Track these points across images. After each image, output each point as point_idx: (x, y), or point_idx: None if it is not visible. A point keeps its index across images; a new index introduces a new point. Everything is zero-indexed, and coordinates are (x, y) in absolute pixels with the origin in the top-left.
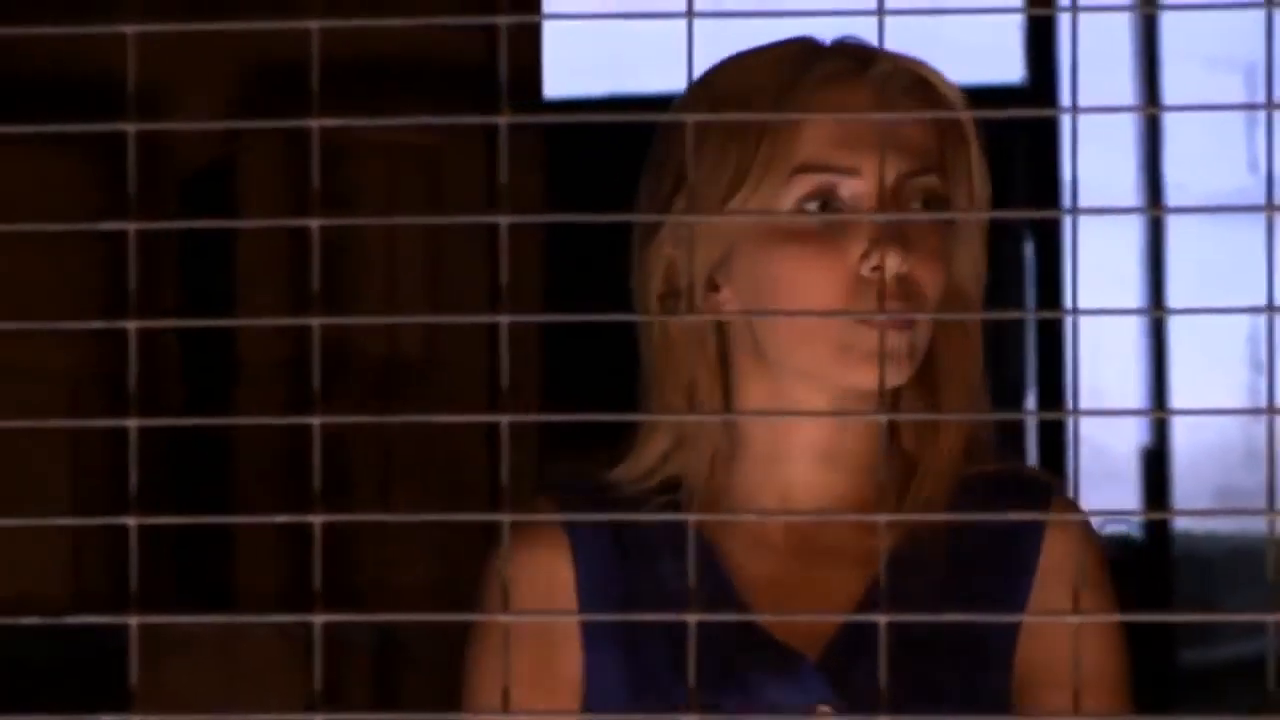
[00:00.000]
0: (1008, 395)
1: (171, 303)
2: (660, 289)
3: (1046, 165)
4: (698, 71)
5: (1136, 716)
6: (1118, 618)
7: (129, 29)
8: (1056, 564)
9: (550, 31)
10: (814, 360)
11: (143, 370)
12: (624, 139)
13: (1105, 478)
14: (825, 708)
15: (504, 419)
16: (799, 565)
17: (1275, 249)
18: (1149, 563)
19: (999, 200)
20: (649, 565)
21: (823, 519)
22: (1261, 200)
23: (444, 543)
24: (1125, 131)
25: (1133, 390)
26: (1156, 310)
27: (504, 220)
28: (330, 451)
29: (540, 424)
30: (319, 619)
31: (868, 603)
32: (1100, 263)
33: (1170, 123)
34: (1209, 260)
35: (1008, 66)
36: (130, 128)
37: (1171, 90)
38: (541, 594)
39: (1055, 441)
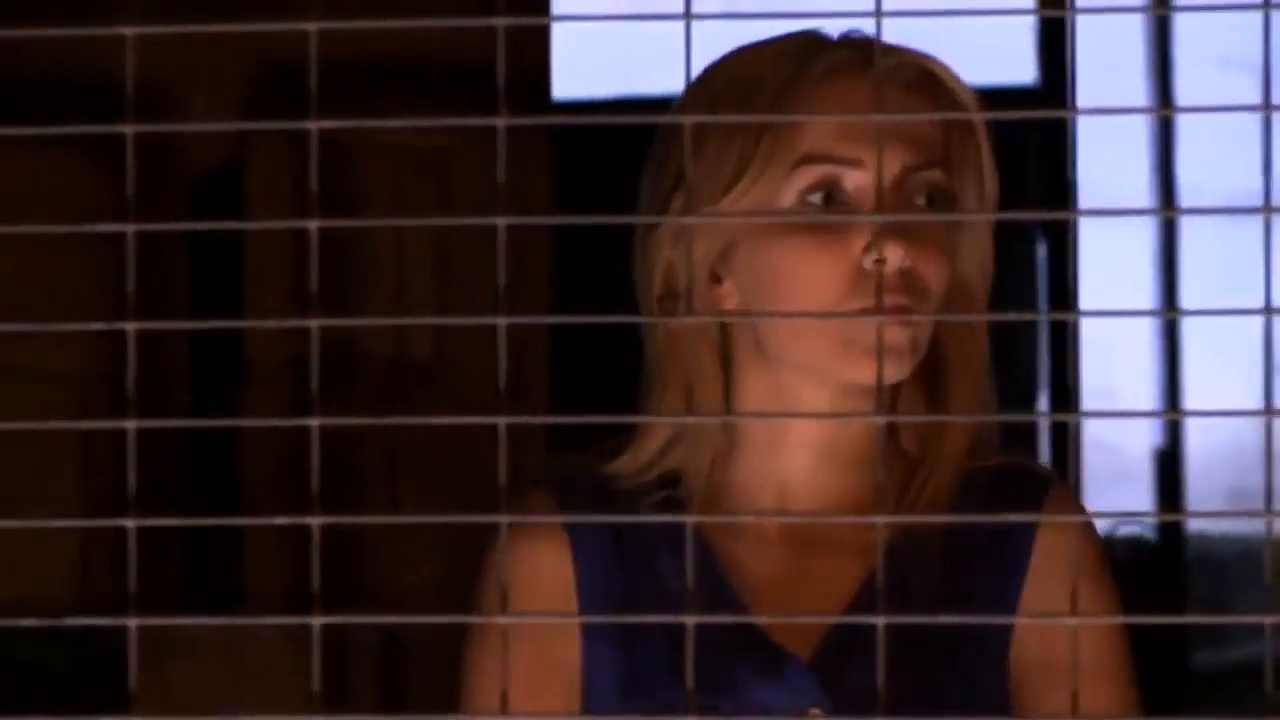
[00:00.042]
0: (1019, 395)
1: (181, 304)
2: (660, 290)
3: (1059, 166)
4: (701, 68)
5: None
6: (1115, 620)
7: (127, 30)
8: (1051, 555)
9: (561, 33)
10: (815, 355)
11: (151, 371)
12: (632, 140)
13: (1118, 478)
14: (816, 710)
15: (501, 420)
16: (795, 558)
17: (1272, 251)
18: (1162, 564)
19: (1012, 201)
20: (648, 561)
21: (821, 520)
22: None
23: (451, 543)
24: (1138, 132)
25: (1146, 391)
26: (1155, 312)
27: (501, 222)
28: (339, 453)
29: (547, 424)
30: (317, 620)
31: (863, 597)
32: (1114, 264)
33: (1184, 123)
34: (1224, 261)
35: (1021, 67)
36: (128, 129)
37: (1185, 91)
38: (541, 590)
39: (1066, 442)
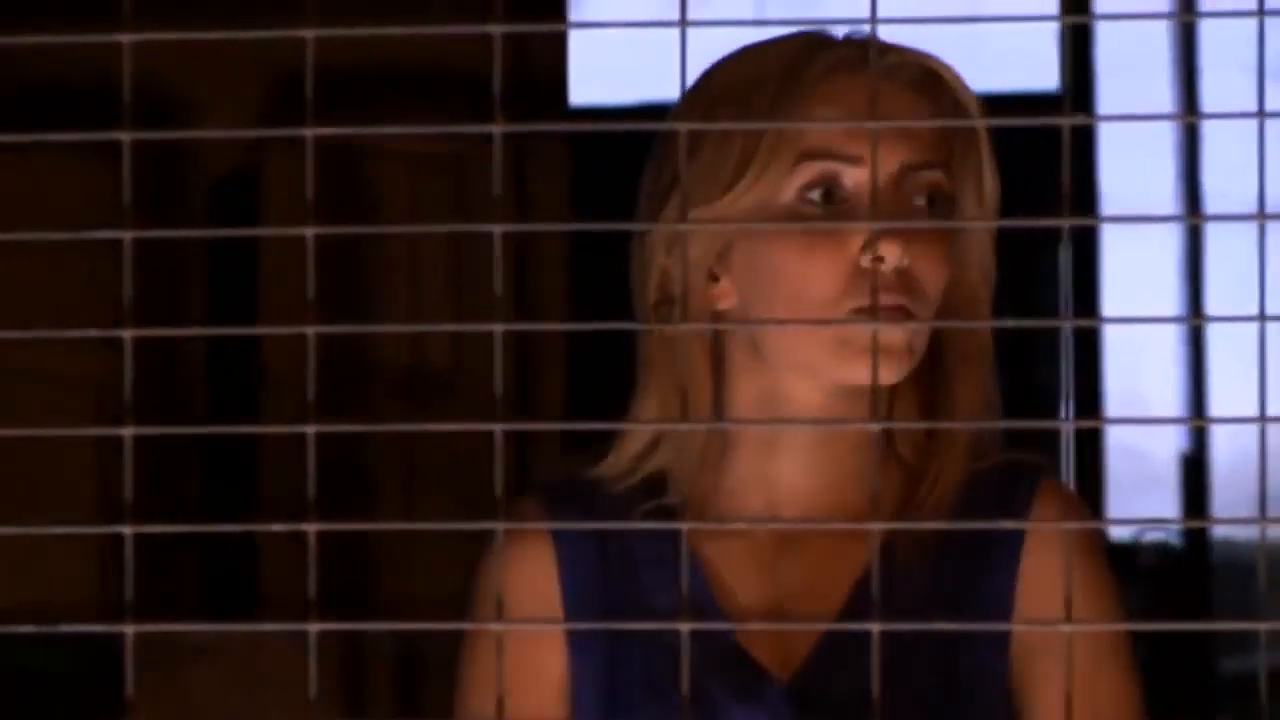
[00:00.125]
0: (1043, 401)
1: (198, 308)
2: (655, 296)
3: (1085, 173)
4: (704, 68)
5: None
6: (1114, 627)
7: (125, 38)
8: (1043, 548)
9: (579, 40)
10: (810, 355)
11: (170, 376)
12: (649, 145)
13: (1145, 484)
14: None
15: (497, 427)
16: (783, 564)
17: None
18: (1188, 569)
19: (1034, 206)
20: (632, 576)
21: (813, 526)
22: None
23: (467, 551)
24: (1164, 139)
25: (1173, 397)
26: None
27: (497, 229)
28: (357, 460)
29: (559, 431)
30: (314, 627)
31: (853, 606)
32: (1139, 270)
33: (1210, 130)
34: (1251, 267)
35: (1045, 73)
36: (125, 136)
37: (1211, 97)
38: (526, 598)
39: (1091, 448)
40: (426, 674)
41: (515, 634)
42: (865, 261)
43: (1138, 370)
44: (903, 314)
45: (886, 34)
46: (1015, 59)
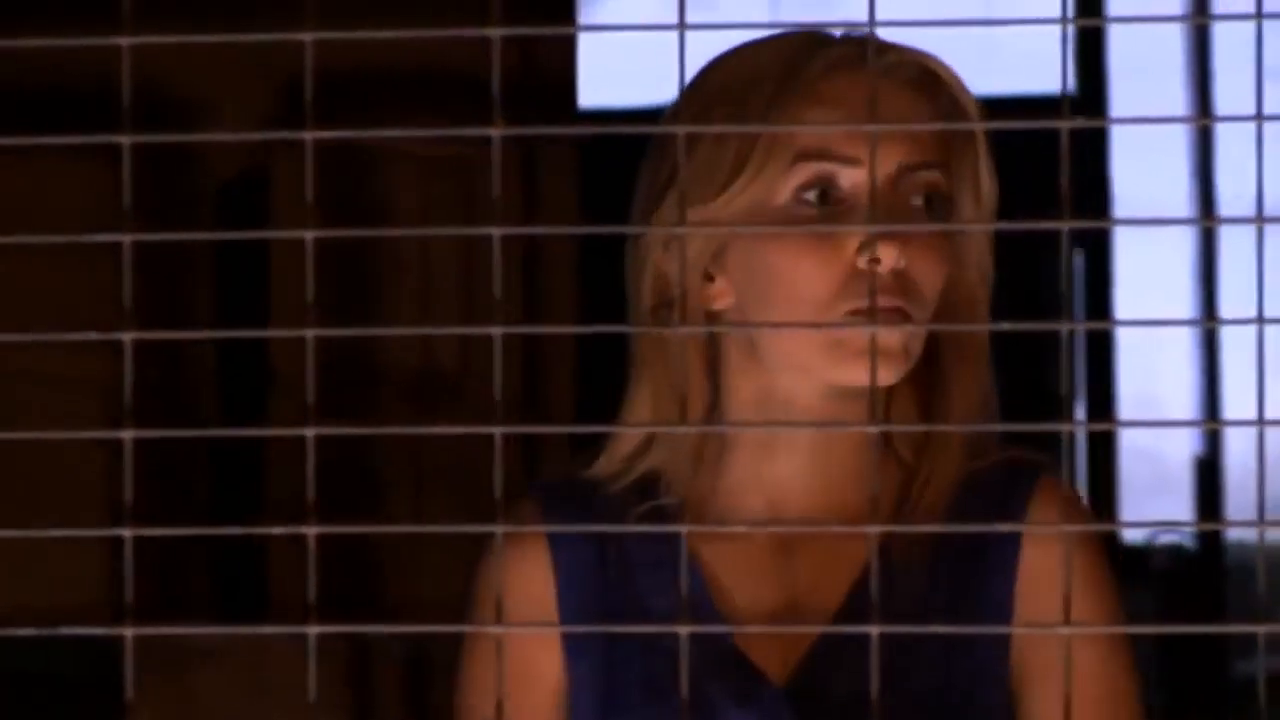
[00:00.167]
0: (1056, 403)
1: (208, 312)
2: (650, 293)
3: (1098, 175)
4: (702, 65)
5: None
6: (1113, 630)
7: (124, 41)
8: (1041, 544)
9: (589, 43)
10: (806, 356)
11: (179, 380)
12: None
13: (1159, 487)
14: None
15: (496, 430)
16: (780, 565)
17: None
18: (1202, 573)
19: (1047, 209)
20: (629, 578)
21: (812, 530)
22: None
23: (475, 553)
24: (1178, 141)
25: (1188, 400)
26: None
27: (496, 232)
28: (366, 463)
29: (572, 434)
30: (313, 630)
31: (851, 607)
32: (1153, 273)
33: (1224, 133)
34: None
35: (1058, 76)
36: (125, 140)
37: (1225, 100)
38: (521, 601)
39: (1105, 450)
40: (434, 677)
41: (511, 636)
42: (862, 263)
43: (1152, 372)
44: (899, 316)
45: (896, 36)
46: (1029, 62)
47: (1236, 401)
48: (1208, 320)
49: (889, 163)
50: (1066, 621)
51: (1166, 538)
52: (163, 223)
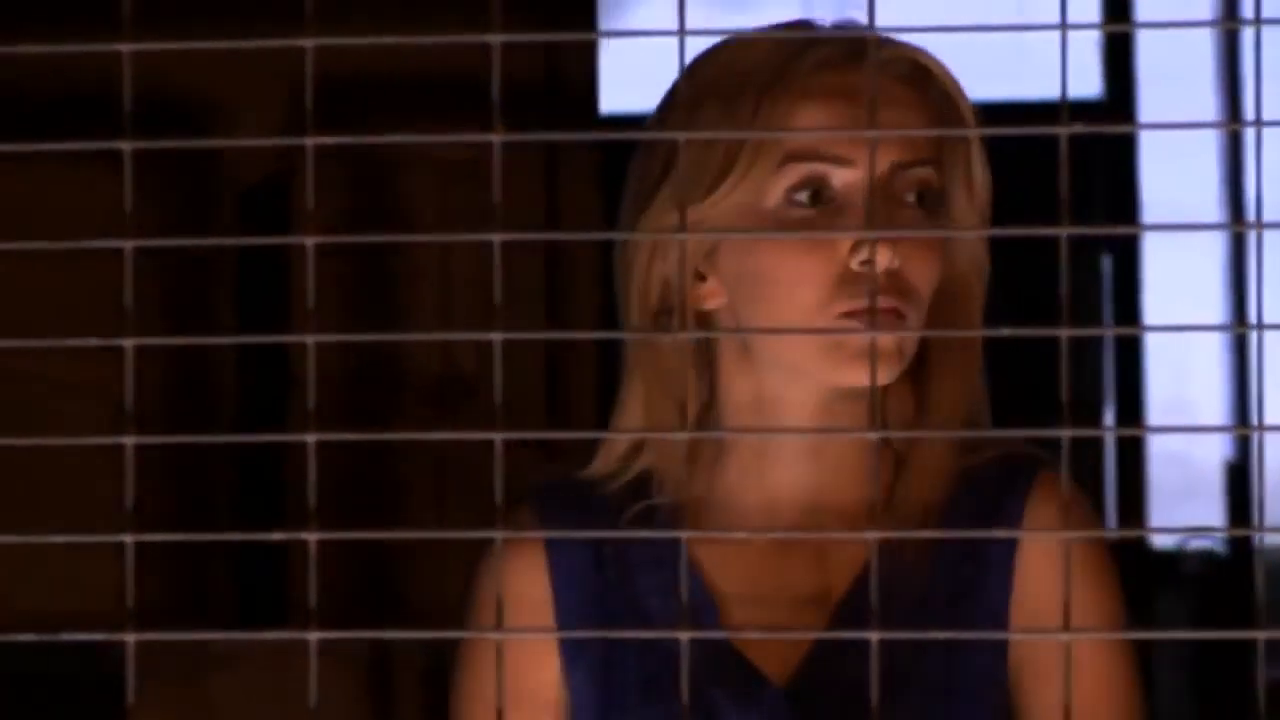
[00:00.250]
0: (1084, 408)
1: (231, 317)
2: (643, 302)
3: (1126, 180)
4: (692, 60)
5: None
6: (1113, 635)
7: (124, 47)
8: (1039, 537)
9: (610, 48)
10: (801, 357)
11: (200, 385)
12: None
13: (1190, 492)
14: None
15: (497, 435)
16: (778, 564)
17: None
18: (1234, 577)
19: (1078, 213)
20: (627, 578)
21: (810, 536)
22: None
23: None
24: (1208, 146)
25: (1220, 404)
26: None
27: (497, 238)
28: (387, 467)
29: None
30: (313, 635)
31: (849, 606)
32: (1183, 278)
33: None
34: None
35: (1086, 80)
36: (126, 146)
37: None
38: (517, 603)
39: (1134, 455)
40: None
41: (507, 647)
42: (855, 264)
43: (1184, 376)
44: (895, 316)
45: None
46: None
47: (1271, 406)
48: (1238, 326)
49: (882, 161)
50: (1066, 627)
51: (1197, 543)
52: (184, 229)
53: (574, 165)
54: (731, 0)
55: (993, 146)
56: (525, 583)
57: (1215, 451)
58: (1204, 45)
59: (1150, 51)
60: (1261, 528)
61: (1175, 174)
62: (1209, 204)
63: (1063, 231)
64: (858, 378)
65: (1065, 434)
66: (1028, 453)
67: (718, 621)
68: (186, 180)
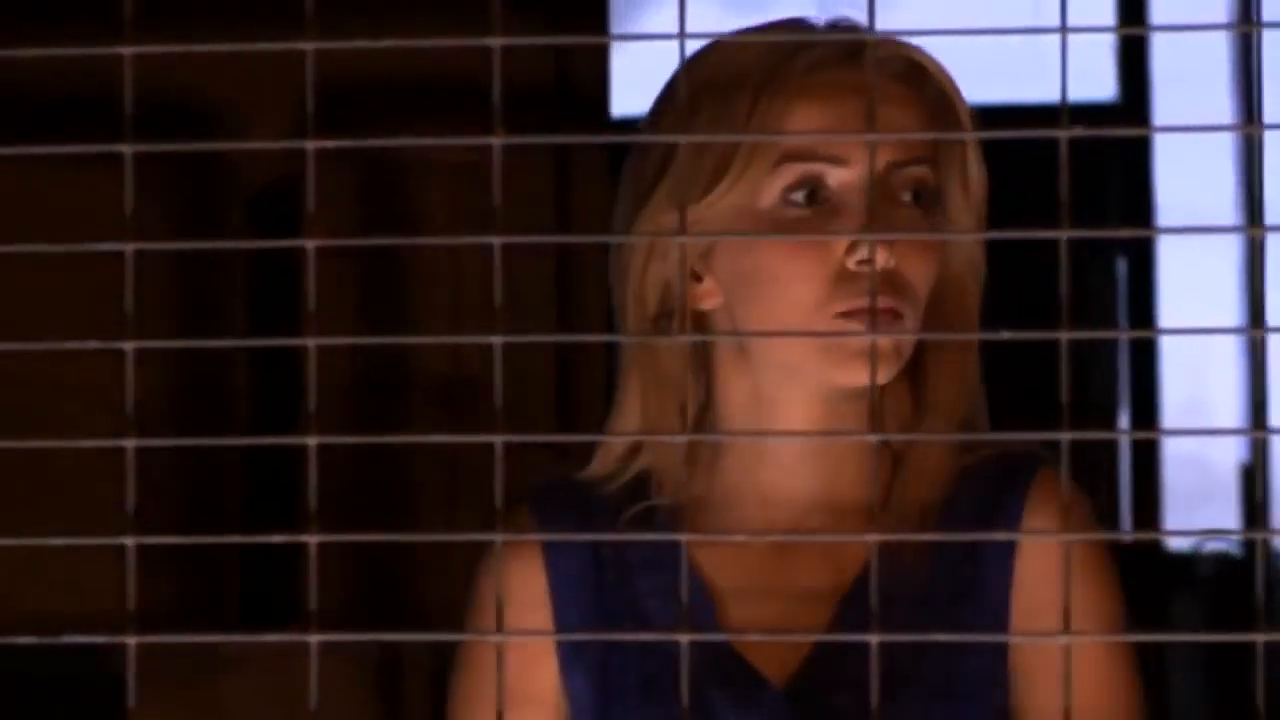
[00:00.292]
0: (1097, 410)
1: (243, 320)
2: (640, 303)
3: (1141, 183)
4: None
5: None
6: (1112, 638)
7: (126, 50)
8: (1039, 537)
9: (621, 51)
10: (798, 357)
11: (213, 389)
12: None
13: (1205, 495)
14: None
15: (498, 439)
16: (776, 565)
17: (1259, 269)
18: (1248, 580)
19: (1093, 216)
20: (626, 573)
21: (809, 539)
22: None
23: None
24: (1224, 149)
25: (1237, 406)
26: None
27: (497, 241)
28: (399, 470)
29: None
30: (314, 638)
31: (848, 608)
32: (1198, 280)
33: (1272, 140)
34: None
35: (1101, 83)
36: (127, 149)
37: (1273, 107)
38: (515, 604)
39: (1149, 458)
40: None
41: (505, 649)
42: (851, 264)
43: (1200, 378)
44: (892, 315)
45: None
46: (1077, 70)
47: None
48: (1251, 329)
49: (878, 159)
50: (1066, 629)
51: (1213, 545)
52: (195, 233)
53: (585, 168)
54: (744, 2)
55: (1004, 149)
56: (523, 584)
57: (1231, 454)
58: (1220, 48)
59: (1165, 54)
60: (1263, 528)
61: (1191, 177)
62: (1225, 207)
63: (1063, 235)
64: (855, 377)
65: (1065, 436)
66: (1027, 450)
67: (715, 619)
68: (196, 184)
